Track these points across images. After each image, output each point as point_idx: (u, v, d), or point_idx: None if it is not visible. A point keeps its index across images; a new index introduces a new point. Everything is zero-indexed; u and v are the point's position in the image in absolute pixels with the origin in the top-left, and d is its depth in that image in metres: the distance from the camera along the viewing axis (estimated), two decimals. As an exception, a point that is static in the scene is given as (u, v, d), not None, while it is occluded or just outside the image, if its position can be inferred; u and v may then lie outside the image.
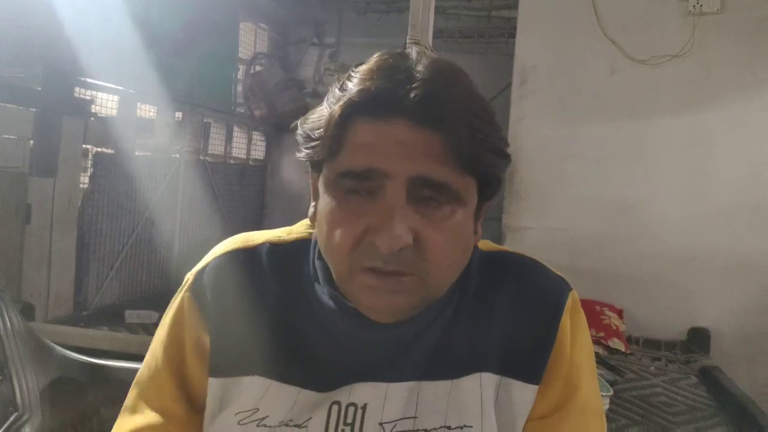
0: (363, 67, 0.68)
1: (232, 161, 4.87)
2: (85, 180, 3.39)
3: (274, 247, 0.80)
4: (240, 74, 4.89)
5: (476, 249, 0.79)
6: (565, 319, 0.75)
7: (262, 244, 0.80)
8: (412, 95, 0.63)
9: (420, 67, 0.66)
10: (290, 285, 0.77)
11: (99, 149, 3.50)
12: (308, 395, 0.73)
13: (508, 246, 3.06)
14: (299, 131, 0.71)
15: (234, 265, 0.79)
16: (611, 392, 1.84)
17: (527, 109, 3.63)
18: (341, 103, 0.66)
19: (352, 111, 0.66)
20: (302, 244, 0.80)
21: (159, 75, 3.73)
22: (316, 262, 0.76)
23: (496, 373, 0.74)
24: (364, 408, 0.72)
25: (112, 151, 3.56)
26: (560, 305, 0.76)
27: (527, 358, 0.74)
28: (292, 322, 0.75)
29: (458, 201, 0.67)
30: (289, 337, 0.75)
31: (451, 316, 0.75)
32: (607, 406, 1.80)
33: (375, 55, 0.69)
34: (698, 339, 3.24)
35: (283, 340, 0.75)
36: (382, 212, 0.64)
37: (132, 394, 0.80)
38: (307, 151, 0.70)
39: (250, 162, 5.12)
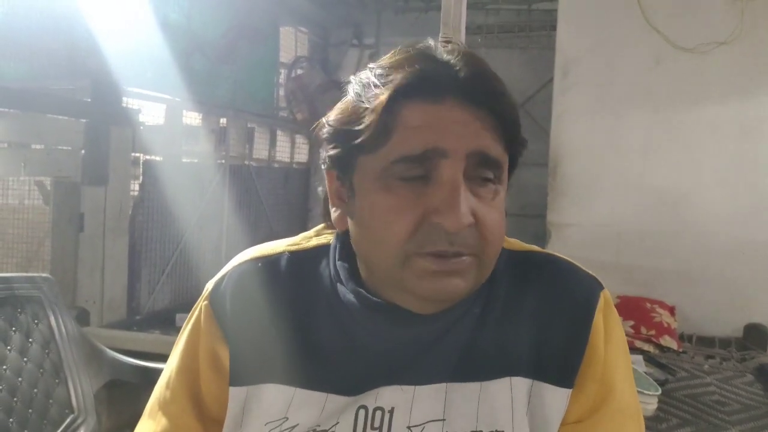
0: (390, 60, 0.68)
1: (276, 165, 4.94)
2: (135, 188, 3.49)
3: (294, 255, 0.80)
4: (281, 78, 4.95)
5: (503, 249, 0.76)
6: (598, 319, 0.74)
7: (281, 252, 0.80)
8: (461, 74, 0.65)
9: (448, 53, 0.67)
10: (310, 290, 0.77)
11: (148, 157, 3.60)
12: (336, 400, 0.73)
13: (554, 243, 3.03)
14: (326, 129, 0.71)
15: (252, 273, 0.79)
16: (659, 392, 1.80)
17: (569, 103, 3.57)
18: (386, 88, 0.65)
19: (399, 95, 0.65)
20: (322, 250, 0.80)
21: (203, 82, 3.82)
22: (338, 263, 0.76)
23: (527, 377, 0.72)
24: (391, 412, 0.71)
25: (160, 159, 3.65)
26: (592, 305, 0.74)
27: (559, 360, 0.73)
28: (314, 327, 0.75)
29: (500, 180, 0.68)
30: (310, 343, 0.74)
31: (478, 315, 0.74)
32: (655, 406, 1.76)
33: (394, 51, 0.69)
34: (754, 335, 3.14)
35: (305, 346, 0.74)
36: (443, 192, 0.64)
37: (151, 398, 0.82)
38: (342, 146, 0.69)
39: (294, 165, 5.19)
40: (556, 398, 0.72)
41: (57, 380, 1.77)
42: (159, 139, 3.63)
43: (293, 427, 0.73)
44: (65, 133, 3.08)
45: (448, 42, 0.70)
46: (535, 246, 0.82)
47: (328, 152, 0.71)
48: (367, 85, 0.67)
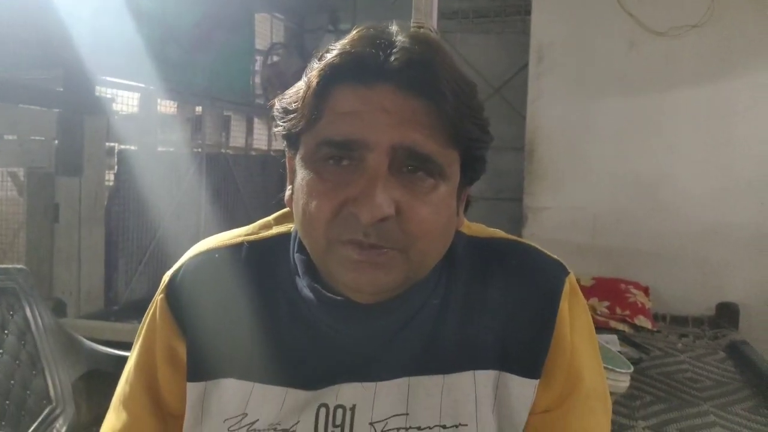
0: (342, 40, 0.66)
1: (253, 153, 4.92)
2: (110, 177, 3.46)
3: (252, 244, 0.78)
4: (257, 66, 4.91)
5: (463, 235, 0.76)
6: (563, 307, 0.72)
7: (240, 242, 0.78)
8: (395, 59, 0.61)
9: (401, 36, 0.64)
10: (269, 282, 0.75)
11: (123, 146, 3.56)
12: (296, 395, 0.71)
13: (530, 227, 3.05)
14: (276, 106, 0.70)
15: (209, 265, 0.77)
16: (632, 369, 1.83)
17: (545, 88, 3.59)
18: (320, 69, 0.64)
19: (331, 77, 0.63)
20: (282, 239, 0.77)
21: (177, 70, 3.78)
22: (296, 255, 0.74)
23: (492, 368, 0.71)
24: (352, 409, 0.70)
25: (136, 148, 3.62)
26: (557, 292, 0.72)
27: (525, 351, 0.71)
28: (273, 320, 0.73)
29: (441, 175, 0.65)
30: (269, 336, 0.73)
31: (438, 305, 0.72)
32: (627, 384, 1.79)
33: (354, 29, 0.66)
34: (726, 314, 3.20)
35: (264, 339, 0.73)
36: (363, 182, 0.62)
37: (115, 393, 0.80)
38: (284, 124, 0.68)
39: (272, 153, 5.17)
40: (523, 389, 0.71)
41: (34, 371, 1.76)
42: (134, 128, 3.60)
43: (252, 423, 0.71)
44: (38, 123, 3.04)
45: (420, 27, 0.69)
46: (499, 231, 0.80)
47: (275, 130, 0.70)
48: (311, 66, 0.67)
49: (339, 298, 0.69)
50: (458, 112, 0.63)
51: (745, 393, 2.28)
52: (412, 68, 0.62)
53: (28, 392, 1.71)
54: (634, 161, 3.40)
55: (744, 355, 2.63)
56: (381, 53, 0.62)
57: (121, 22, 3.28)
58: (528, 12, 3.82)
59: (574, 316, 0.73)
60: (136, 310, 3.35)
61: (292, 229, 0.77)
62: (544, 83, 3.59)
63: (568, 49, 3.55)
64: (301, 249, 0.73)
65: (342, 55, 0.63)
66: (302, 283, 0.72)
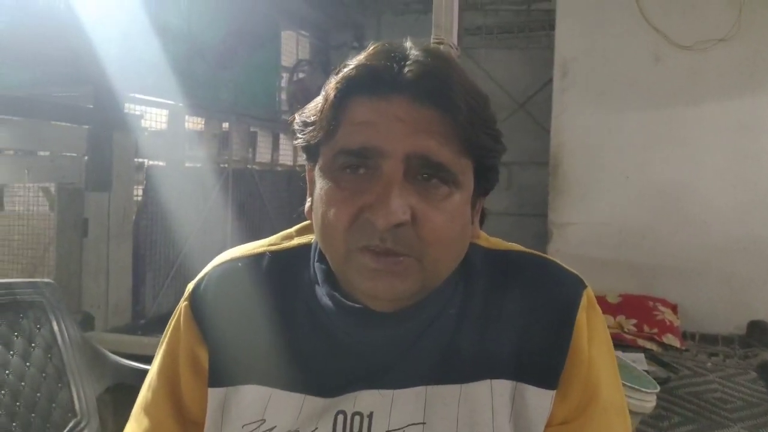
0: (358, 56, 0.68)
1: (279, 168, 4.96)
2: (138, 193, 3.52)
3: (275, 254, 0.79)
4: (283, 82, 4.97)
5: (480, 247, 0.77)
6: (581, 319, 0.72)
7: (262, 252, 0.80)
8: (408, 71, 0.64)
9: (415, 51, 0.66)
10: (290, 291, 0.76)
11: (151, 162, 3.62)
12: (314, 402, 0.72)
13: (555, 242, 3.04)
14: (296, 120, 0.71)
15: (232, 274, 0.79)
16: (658, 389, 1.80)
17: (569, 102, 3.57)
18: (336, 82, 0.66)
19: (348, 89, 0.65)
20: (303, 250, 0.78)
21: (204, 87, 3.85)
22: (316, 264, 0.75)
23: (509, 378, 0.71)
24: (370, 416, 0.71)
25: (163, 164, 3.68)
26: (574, 304, 0.72)
27: (542, 362, 0.71)
28: (292, 329, 0.74)
29: (455, 183, 0.66)
30: (289, 344, 0.74)
31: (455, 315, 0.72)
32: (653, 404, 1.76)
33: (371, 45, 0.69)
34: (757, 332, 3.13)
35: (283, 347, 0.74)
36: (379, 189, 0.63)
37: (137, 400, 0.82)
38: (304, 136, 0.69)
39: (297, 168, 5.21)
40: (540, 400, 0.71)
41: (60, 384, 1.78)
42: (162, 144, 3.66)
43: (270, 429, 0.72)
44: (68, 139, 3.11)
45: (440, 43, 0.71)
46: (517, 245, 0.81)
47: (295, 142, 0.72)
48: (329, 81, 0.69)
49: (357, 306, 0.70)
50: (471, 122, 0.65)
51: (776, 414, 2.23)
52: (426, 80, 0.64)
53: (53, 405, 1.74)
54: (659, 175, 3.36)
55: (776, 376, 2.57)
56: (395, 66, 0.64)
57: (149, 39, 3.36)
58: (552, 27, 3.81)
59: (592, 329, 0.73)
60: (162, 323, 3.34)
61: (312, 240, 0.78)
62: (569, 98, 3.58)
63: (593, 63, 3.53)
64: (322, 258, 0.74)
65: (358, 68, 0.65)
66: (321, 292, 0.73)
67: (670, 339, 3.01)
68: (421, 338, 0.71)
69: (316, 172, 0.70)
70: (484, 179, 0.71)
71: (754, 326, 3.15)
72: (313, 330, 0.74)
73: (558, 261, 0.78)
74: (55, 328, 1.83)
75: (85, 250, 3.13)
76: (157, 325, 3.33)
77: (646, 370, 2.43)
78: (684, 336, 3.12)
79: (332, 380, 0.72)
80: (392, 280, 0.64)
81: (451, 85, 0.64)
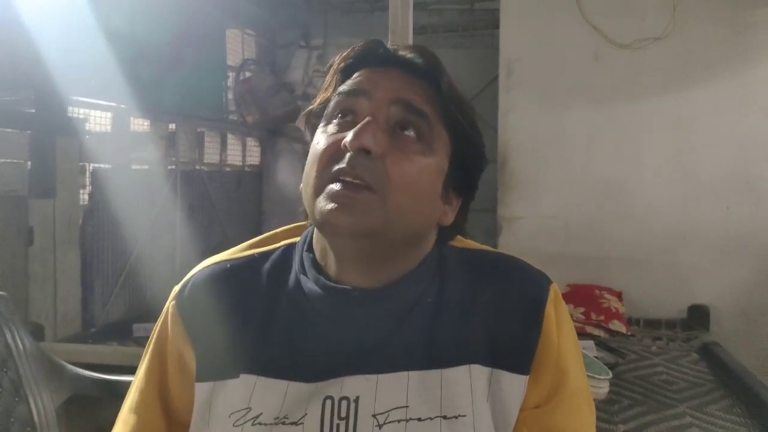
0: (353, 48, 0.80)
1: (228, 169, 4.91)
2: (84, 198, 3.43)
3: (261, 255, 0.84)
4: (230, 82, 4.92)
5: (453, 247, 0.84)
6: (550, 310, 0.79)
7: (250, 255, 0.84)
8: (403, 52, 0.77)
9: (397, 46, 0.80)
10: (276, 287, 0.80)
11: (96, 166, 3.53)
12: (298, 388, 0.75)
13: (505, 237, 3.10)
14: (305, 121, 0.81)
15: (219, 274, 0.82)
16: (610, 375, 1.88)
17: (514, 101, 3.66)
18: (343, 56, 0.78)
19: (352, 63, 0.77)
20: (289, 249, 0.84)
21: (149, 89, 3.76)
22: (304, 253, 0.80)
23: (485, 365, 0.77)
24: (356, 401, 0.74)
25: (109, 167, 3.59)
26: (543, 297, 0.79)
27: (515, 350, 0.77)
28: (276, 320, 0.78)
29: (429, 144, 0.74)
30: (274, 334, 0.77)
31: (432, 305, 0.78)
32: (606, 389, 1.84)
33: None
34: (698, 316, 3.28)
35: (268, 337, 0.77)
36: (356, 123, 0.72)
37: (124, 402, 0.84)
38: (310, 108, 0.80)
39: (246, 168, 5.16)
40: (514, 385, 0.76)
41: (17, 398, 1.75)
42: (107, 148, 3.57)
43: (257, 416, 0.74)
44: (10, 145, 3.00)
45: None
46: (488, 246, 0.88)
47: (307, 134, 0.80)
48: (332, 61, 0.81)
49: (341, 286, 0.75)
50: (451, 99, 0.75)
51: (718, 393, 2.34)
52: (418, 58, 0.76)
53: (11, 420, 1.70)
54: (602, 170, 3.49)
55: (716, 357, 2.70)
56: (392, 47, 0.78)
57: (92, 42, 3.27)
58: (496, 26, 3.89)
59: (560, 320, 0.80)
60: (113, 332, 3.32)
61: (299, 240, 0.84)
62: (514, 96, 3.66)
63: (536, 62, 3.62)
64: (309, 248, 0.80)
65: (362, 46, 0.78)
66: (306, 279, 0.78)
67: (617, 325, 3.12)
68: (402, 324, 0.76)
69: (315, 133, 0.78)
70: (459, 166, 0.79)
71: (695, 310, 3.30)
72: (297, 319, 0.78)
73: (526, 260, 0.85)
74: (9, 340, 1.79)
75: (31, 259, 3.04)
76: (108, 334, 3.27)
77: (596, 356, 2.53)
78: (629, 322, 3.24)
79: (317, 366, 0.75)
80: (354, 212, 0.69)
81: (438, 66, 0.76)
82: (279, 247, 0.85)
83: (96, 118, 3.55)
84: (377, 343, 0.76)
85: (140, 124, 4.01)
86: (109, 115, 3.63)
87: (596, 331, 3.04)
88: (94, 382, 1.93)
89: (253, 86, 4.75)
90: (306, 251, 0.80)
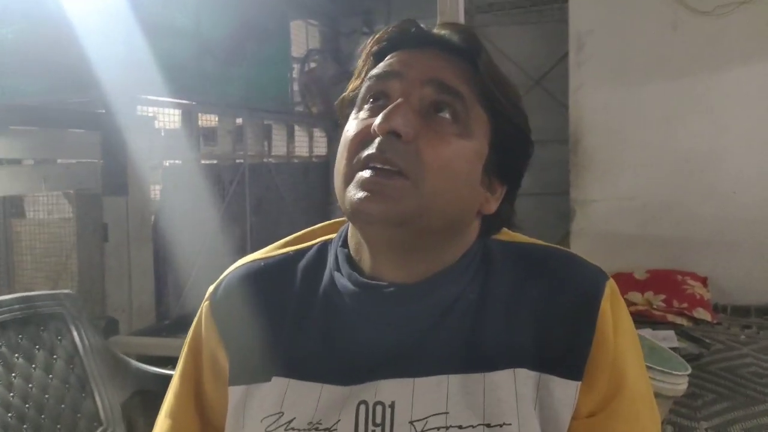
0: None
1: (295, 160, 4.95)
2: (156, 193, 3.52)
3: (296, 253, 0.80)
4: (295, 73, 4.94)
5: (498, 240, 0.77)
6: (605, 308, 0.71)
7: (285, 253, 0.80)
8: (439, 30, 0.71)
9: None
10: (310, 286, 0.76)
11: (166, 163, 3.63)
12: (332, 391, 0.71)
13: (579, 221, 2.98)
14: (340, 107, 0.76)
15: (253, 273, 0.79)
16: (689, 371, 1.75)
17: (586, 76, 3.49)
18: (377, 38, 0.73)
19: (385, 46, 0.72)
20: (324, 246, 0.80)
21: (215, 83, 3.83)
22: (339, 248, 0.76)
23: (533, 369, 0.70)
24: (392, 406, 0.69)
25: (179, 163, 3.68)
26: (597, 295, 0.71)
27: (566, 353, 0.70)
28: (311, 321, 0.74)
29: (467, 126, 0.68)
30: (307, 334, 0.73)
31: (475, 301, 0.72)
32: (685, 386, 1.71)
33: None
34: (792, 301, 3.06)
35: (301, 338, 0.73)
36: (388, 105, 0.67)
37: (163, 405, 0.81)
38: (343, 95, 0.74)
39: (313, 159, 5.19)
40: (565, 391, 0.69)
41: (83, 394, 1.79)
42: (176, 144, 3.66)
43: (290, 421, 0.71)
44: (82, 145, 3.12)
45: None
46: (538, 240, 0.80)
47: (340, 116, 0.75)
48: (364, 45, 0.75)
49: (375, 282, 0.70)
50: (491, 79, 0.69)
51: (815, 388, 2.17)
52: (454, 36, 0.70)
53: (78, 415, 1.74)
54: (683, 146, 3.28)
55: (813, 347, 2.50)
56: (426, 26, 0.72)
57: (157, 40, 3.34)
58: (565, 0, 3.72)
59: (617, 318, 0.72)
60: (187, 324, 3.36)
61: (335, 236, 0.79)
62: (586, 72, 3.50)
63: (609, 35, 3.44)
64: (345, 244, 0.75)
65: (394, 27, 0.72)
66: (339, 275, 0.73)
67: (701, 313, 2.95)
68: (441, 323, 0.71)
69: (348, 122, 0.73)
70: (502, 151, 0.72)
71: (788, 296, 3.08)
72: (330, 318, 0.73)
73: (579, 255, 0.77)
74: (77, 338, 1.84)
75: (107, 254, 3.15)
76: (182, 326, 3.35)
77: (676, 347, 2.38)
78: (715, 309, 3.06)
79: (351, 368, 0.71)
80: (385, 198, 0.65)
81: (476, 43, 0.70)
82: (315, 244, 0.80)
83: (165, 116, 3.64)
84: (414, 344, 0.70)
85: (208, 120, 4.09)
86: (177, 112, 3.71)
87: (678, 320, 2.88)
88: (157, 378, 1.96)
89: (317, 76, 4.76)
90: (341, 246, 0.76)
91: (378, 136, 0.65)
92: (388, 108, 0.65)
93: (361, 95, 0.71)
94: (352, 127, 0.69)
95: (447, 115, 0.67)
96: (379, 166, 0.65)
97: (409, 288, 0.70)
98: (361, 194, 0.65)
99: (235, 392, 0.74)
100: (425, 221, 0.67)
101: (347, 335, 0.72)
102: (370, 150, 0.65)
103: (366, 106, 0.70)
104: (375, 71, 0.70)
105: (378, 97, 0.69)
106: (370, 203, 0.65)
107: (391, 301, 0.70)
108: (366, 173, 0.65)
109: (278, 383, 0.72)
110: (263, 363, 0.74)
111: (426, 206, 0.66)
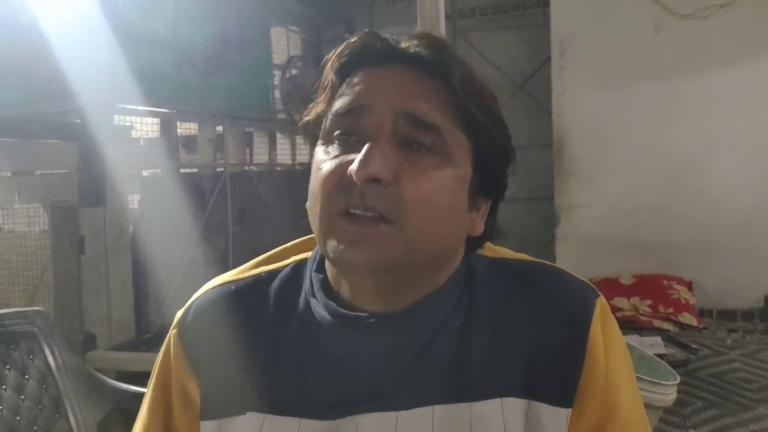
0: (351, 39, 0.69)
1: (278, 168, 4.90)
2: (134, 204, 3.46)
3: (269, 274, 0.76)
4: (276, 80, 4.90)
5: (483, 257, 0.73)
6: (596, 329, 0.68)
7: (257, 275, 0.76)
8: (406, 44, 0.65)
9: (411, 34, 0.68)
10: (284, 311, 0.72)
11: (145, 172, 3.56)
12: (310, 426, 0.67)
13: (564, 227, 2.96)
14: (305, 123, 0.71)
15: (223, 298, 0.74)
16: (678, 380, 1.72)
17: (569, 81, 3.48)
18: (338, 53, 0.67)
19: (347, 61, 0.66)
20: (299, 266, 0.75)
21: (196, 93, 3.78)
22: (313, 274, 0.71)
23: (521, 397, 0.67)
24: None
25: (158, 172, 3.62)
26: (588, 314, 0.68)
27: (555, 378, 0.67)
28: (285, 349, 0.70)
29: (447, 155, 0.63)
30: (282, 364, 0.69)
31: (461, 327, 0.68)
32: (674, 396, 1.69)
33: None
34: (777, 305, 3.05)
35: (277, 369, 0.69)
36: (363, 146, 0.62)
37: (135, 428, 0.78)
38: (307, 119, 0.70)
39: (297, 167, 5.14)
40: (555, 419, 0.66)
41: (57, 415, 1.73)
42: (155, 153, 3.60)
43: None
44: (58, 156, 3.05)
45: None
46: (525, 255, 0.76)
47: (307, 139, 0.71)
48: (326, 65, 0.70)
49: (353, 313, 0.66)
50: (466, 93, 0.64)
51: (804, 393, 2.15)
52: (423, 49, 0.65)
53: (51, 437, 1.68)
54: (668, 151, 3.28)
55: (800, 351, 2.48)
56: (392, 39, 0.66)
57: (136, 49, 3.28)
58: (547, 4, 3.72)
59: (608, 339, 0.69)
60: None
61: (310, 255, 0.75)
62: (569, 76, 3.49)
63: (591, 39, 3.44)
64: (320, 268, 0.71)
65: (357, 41, 0.67)
66: (316, 303, 0.69)
67: (687, 318, 2.94)
68: (425, 352, 0.67)
69: (315, 151, 0.68)
70: (485, 170, 0.68)
71: (774, 299, 3.07)
72: (307, 347, 0.69)
73: (567, 271, 0.74)
74: (49, 356, 1.78)
75: (84, 267, 3.07)
76: (163, 340, 3.27)
77: (663, 354, 2.36)
78: (701, 313, 3.06)
79: (330, 401, 0.67)
80: (370, 247, 0.61)
81: (447, 55, 0.65)
82: (288, 264, 0.76)
83: (143, 125, 3.58)
84: (397, 375, 0.67)
85: (188, 128, 4.03)
86: (156, 120, 3.65)
87: (665, 325, 2.86)
88: (134, 396, 1.90)
89: (299, 83, 4.72)
90: (315, 271, 0.71)
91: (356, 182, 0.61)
92: (363, 152, 0.61)
93: (326, 129, 0.66)
94: (324, 165, 0.65)
95: (425, 150, 0.63)
96: (360, 212, 0.61)
97: (392, 317, 0.66)
98: (343, 245, 0.61)
99: (207, 427, 0.70)
100: (413, 261, 0.64)
101: (325, 366, 0.68)
102: (350, 197, 0.61)
103: (335, 145, 0.65)
104: (341, 105, 0.65)
105: (348, 134, 0.64)
106: (354, 253, 0.61)
107: (372, 332, 0.66)
108: (347, 223, 0.61)
109: (253, 419, 0.68)
110: (237, 396, 0.70)
111: (413, 248, 0.63)
